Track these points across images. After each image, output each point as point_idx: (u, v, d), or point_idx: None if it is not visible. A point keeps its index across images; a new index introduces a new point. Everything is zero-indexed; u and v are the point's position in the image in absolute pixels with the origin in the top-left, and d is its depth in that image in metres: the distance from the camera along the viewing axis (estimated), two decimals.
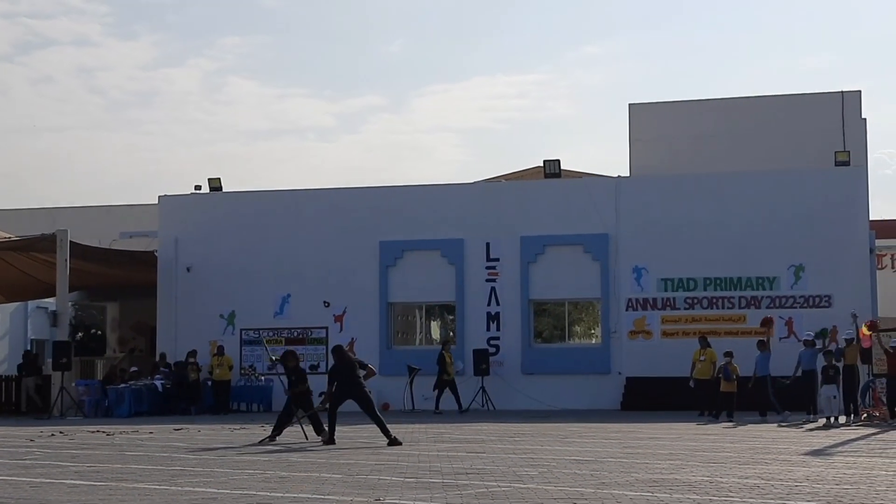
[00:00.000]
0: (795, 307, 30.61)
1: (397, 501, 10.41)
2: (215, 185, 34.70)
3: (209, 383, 31.49)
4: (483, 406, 30.80)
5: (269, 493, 11.20)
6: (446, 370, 30.22)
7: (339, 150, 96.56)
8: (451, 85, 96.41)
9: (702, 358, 27.62)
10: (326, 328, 33.11)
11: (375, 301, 32.88)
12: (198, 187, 35.24)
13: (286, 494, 11.11)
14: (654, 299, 31.52)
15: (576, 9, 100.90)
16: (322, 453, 16.39)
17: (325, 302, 33.05)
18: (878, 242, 34.19)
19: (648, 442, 18.02)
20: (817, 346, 25.67)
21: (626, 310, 31.60)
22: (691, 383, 27.47)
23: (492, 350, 31.93)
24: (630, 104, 37.98)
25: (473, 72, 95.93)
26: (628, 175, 35.91)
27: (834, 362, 24.46)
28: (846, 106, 35.54)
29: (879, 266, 40.50)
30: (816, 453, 15.69)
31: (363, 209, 33.35)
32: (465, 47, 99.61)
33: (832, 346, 26.76)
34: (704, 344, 27.86)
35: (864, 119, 35.99)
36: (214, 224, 34.19)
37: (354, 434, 19.82)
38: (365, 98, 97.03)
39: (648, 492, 10.77)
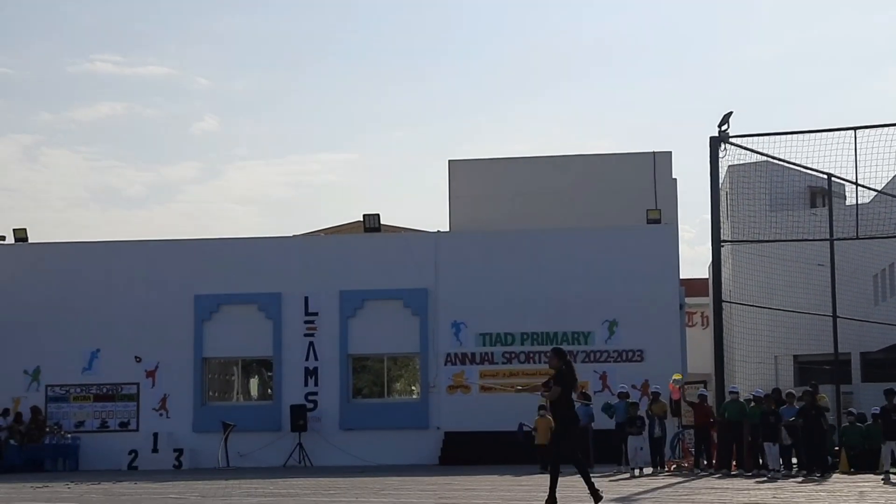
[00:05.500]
0: (609, 361, 31.20)
1: None
2: (21, 235, 33.33)
3: (11, 442, 29.98)
4: (300, 462, 30.25)
5: None
6: None
7: (152, 217, 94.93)
8: (263, 161, 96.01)
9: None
10: (138, 384, 32.06)
11: (190, 356, 32.04)
12: (1, 238, 33.73)
13: None
14: (473, 354, 31.66)
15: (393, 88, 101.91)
16: None
17: (136, 357, 31.98)
18: (688, 300, 35.28)
19: (463, 493, 17.89)
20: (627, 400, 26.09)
21: (445, 364, 31.64)
22: (531, 430, 26.85)
23: (310, 406, 31.45)
24: (450, 160, 38.35)
25: (286, 150, 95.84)
26: (448, 230, 36.15)
27: (639, 414, 24.95)
28: (658, 166, 36.71)
29: (689, 323, 41.86)
30: (624, 500, 15.84)
31: (178, 262, 32.56)
32: (276, 126, 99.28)
33: (642, 400, 27.32)
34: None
35: (675, 179, 37.22)
36: (19, 276, 32.80)
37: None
38: (178, 167, 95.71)
39: None
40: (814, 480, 20.94)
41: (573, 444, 14.67)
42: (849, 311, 32.92)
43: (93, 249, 33.19)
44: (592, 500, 14.33)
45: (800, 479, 21.62)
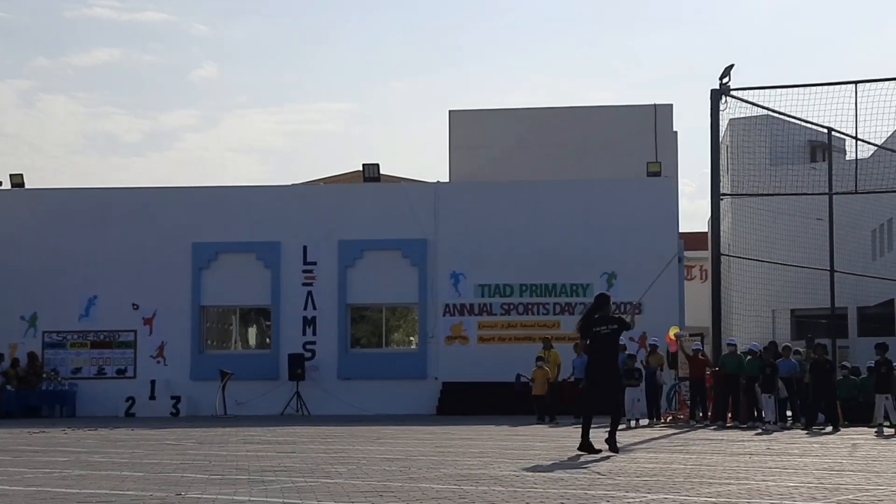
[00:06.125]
0: None
1: (199, 497, 9.97)
2: (17, 181, 33.21)
3: (8, 388, 30.07)
4: (298, 411, 30.36)
5: (65, 490, 10.60)
6: None
7: (149, 164, 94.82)
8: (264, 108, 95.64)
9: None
10: (135, 331, 32.09)
11: (188, 304, 32.04)
12: None
13: (82, 491, 10.52)
14: (471, 305, 31.67)
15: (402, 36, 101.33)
16: (125, 453, 15.69)
17: (133, 304, 31.99)
18: (687, 254, 35.27)
19: (460, 442, 17.96)
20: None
21: (444, 315, 31.66)
22: (528, 381, 26.92)
23: (307, 355, 31.51)
24: (450, 111, 38.23)
25: (285, 99, 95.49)
26: (447, 181, 36.05)
27: (637, 366, 25.03)
28: (658, 118, 36.57)
29: (688, 276, 41.89)
30: (620, 450, 15.88)
31: (176, 209, 32.49)
32: (278, 75, 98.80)
33: (639, 352, 27.38)
34: (548, 346, 27.64)
35: (676, 132, 37.11)
36: (16, 222, 32.71)
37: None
38: (176, 115, 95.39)
39: (455, 485, 10.64)
40: (822, 433, 21.03)
41: (601, 396, 14.75)
42: (846, 266, 32.94)
43: (90, 196, 33.10)
44: (608, 448, 14.46)
45: (805, 431, 21.71)
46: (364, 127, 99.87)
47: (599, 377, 14.71)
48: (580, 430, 14.75)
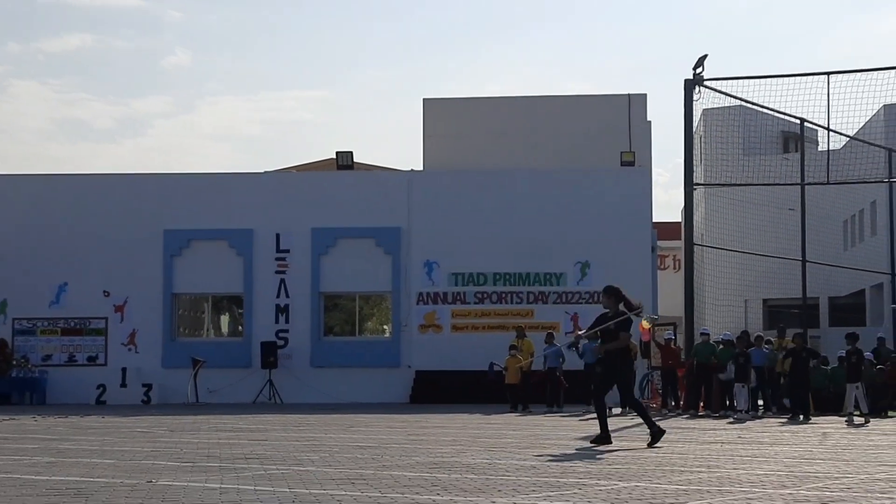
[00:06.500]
0: (581, 303, 31.26)
1: (170, 484, 9.91)
2: None
3: None
4: (270, 399, 30.28)
5: (34, 477, 10.51)
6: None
7: (121, 151, 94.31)
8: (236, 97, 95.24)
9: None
10: (106, 319, 31.90)
11: (159, 291, 31.88)
12: None
13: (52, 478, 10.44)
14: (445, 293, 31.65)
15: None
16: (95, 440, 15.59)
17: (104, 291, 31.79)
18: (660, 243, 35.40)
19: (433, 430, 17.95)
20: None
21: (417, 303, 31.63)
22: (501, 370, 26.94)
23: (280, 343, 31.41)
24: (424, 99, 38.11)
25: (259, 87, 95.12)
26: (422, 169, 35.99)
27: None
28: (633, 108, 36.59)
29: (661, 266, 42.03)
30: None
31: (147, 196, 32.31)
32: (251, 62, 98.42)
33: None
34: (521, 334, 27.69)
35: (650, 122, 37.14)
36: None
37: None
38: (149, 101, 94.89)
39: (428, 472, 10.62)
40: (795, 422, 21.12)
41: (607, 388, 14.52)
42: (818, 256, 33.14)
43: (61, 182, 32.86)
44: (599, 442, 14.04)
45: (781, 420, 21.81)
46: (338, 115, 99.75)
47: (612, 371, 14.38)
48: (598, 422, 14.38)
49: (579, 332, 15.85)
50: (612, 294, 14.45)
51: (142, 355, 31.69)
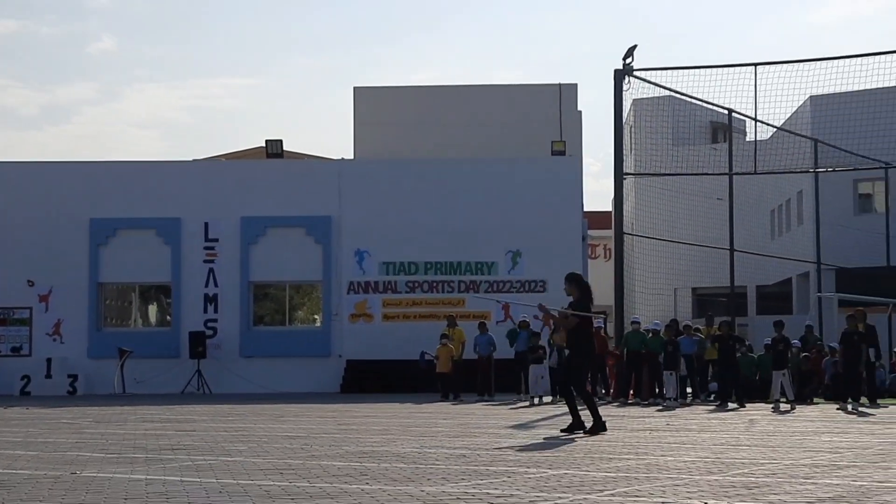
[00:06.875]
0: (512, 291, 31.34)
1: (95, 475, 9.73)
2: None
3: None
4: (199, 390, 29.98)
5: None
6: None
7: (46, 139, 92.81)
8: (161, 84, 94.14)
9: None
10: (30, 308, 31.34)
11: (85, 280, 31.38)
12: None
13: None
14: (376, 282, 31.55)
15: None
16: (19, 432, 15.28)
17: (28, 281, 31.22)
18: (591, 232, 35.60)
19: (363, 420, 17.87)
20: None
21: (348, 293, 31.49)
22: (432, 358, 26.90)
23: (209, 333, 31.10)
24: (355, 87, 37.96)
25: (187, 74, 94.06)
26: (352, 158, 35.83)
27: (540, 343, 25.15)
28: (563, 98, 36.74)
29: (592, 255, 42.32)
30: (522, 427, 15.97)
31: (73, 184, 31.77)
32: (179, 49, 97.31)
33: (543, 330, 27.53)
34: (452, 323, 27.65)
35: (580, 111, 37.34)
36: None
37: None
38: (74, 88, 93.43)
39: (357, 462, 10.56)
40: (724, 409, 21.35)
41: (581, 376, 14.58)
42: (746, 245, 33.56)
43: None
44: (583, 430, 13.92)
45: (709, 407, 22.03)
46: (267, 103, 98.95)
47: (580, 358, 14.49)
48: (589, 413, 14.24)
49: (552, 311, 15.92)
50: (573, 280, 14.77)
51: (67, 345, 31.18)
